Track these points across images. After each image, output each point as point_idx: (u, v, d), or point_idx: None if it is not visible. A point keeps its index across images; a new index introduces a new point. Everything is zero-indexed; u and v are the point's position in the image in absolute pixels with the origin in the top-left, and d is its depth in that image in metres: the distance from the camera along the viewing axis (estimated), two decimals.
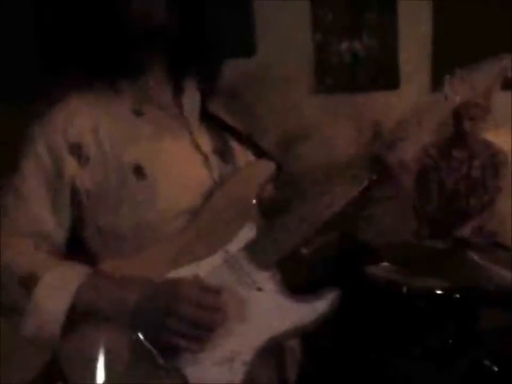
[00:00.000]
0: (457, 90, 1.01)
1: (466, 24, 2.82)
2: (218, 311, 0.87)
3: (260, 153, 1.07)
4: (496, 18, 2.82)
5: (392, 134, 0.96)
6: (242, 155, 1.06)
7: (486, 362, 1.70)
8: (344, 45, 2.88)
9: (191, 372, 0.87)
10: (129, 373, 0.87)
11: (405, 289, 1.95)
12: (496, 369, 1.68)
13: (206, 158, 1.00)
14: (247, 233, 0.93)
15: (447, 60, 2.90)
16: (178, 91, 1.04)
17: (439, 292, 1.91)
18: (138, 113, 0.98)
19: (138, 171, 0.93)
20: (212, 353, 0.88)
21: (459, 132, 2.60)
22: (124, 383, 0.87)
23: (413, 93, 2.95)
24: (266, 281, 0.91)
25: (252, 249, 0.92)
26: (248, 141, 1.07)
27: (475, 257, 1.99)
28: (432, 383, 1.82)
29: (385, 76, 2.94)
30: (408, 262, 2.06)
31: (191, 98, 1.03)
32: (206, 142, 1.02)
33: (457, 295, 1.90)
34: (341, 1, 2.87)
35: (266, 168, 1.03)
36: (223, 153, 1.04)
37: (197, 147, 1.01)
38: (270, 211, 0.99)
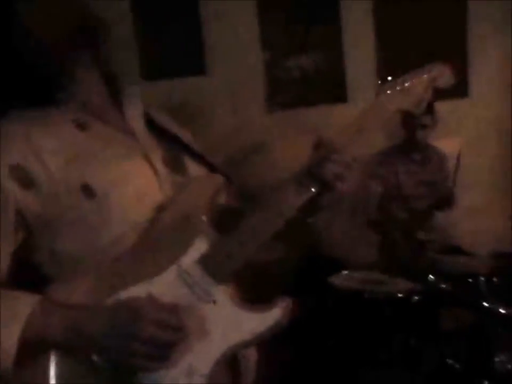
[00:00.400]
0: (391, 99, 1.04)
1: (408, 35, 2.95)
2: (179, 329, 0.87)
3: (210, 165, 1.07)
4: (439, 31, 2.97)
5: (331, 144, 0.99)
6: (193, 165, 1.05)
7: (449, 361, 1.74)
8: (293, 62, 2.95)
9: None
10: None
11: (366, 295, 1.98)
12: (459, 367, 1.71)
13: (155, 170, 0.99)
14: (199, 246, 0.93)
15: (391, 72, 3.02)
16: (117, 99, 1.02)
17: (399, 295, 1.96)
18: (81, 127, 0.96)
19: (87, 190, 0.91)
20: (171, 369, 0.87)
21: (410, 139, 2.69)
22: None
23: (360, 106, 3.04)
24: (221, 293, 0.91)
25: (205, 262, 0.92)
26: (196, 153, 1.07)
27: (435, 258, 2.05)
28: None
29: (333, 90, 3.02)
30: (368, 268, 2.10)
31: (133, 105, 1.02)
32: (155, 153, 1.01)
33: (417, 297, 1.94)
34: (288, 19, 2.95)
35: (215, 181, 1.03)
36: (174, 164, 1.02)
37: (146, 159, 0.99)
38: (223, 223, 0.99)
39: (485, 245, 2.65)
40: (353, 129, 1.00)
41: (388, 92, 1.04)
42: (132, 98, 1.03)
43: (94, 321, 0.86)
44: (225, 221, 1.00)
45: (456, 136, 2.96)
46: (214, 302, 0.91)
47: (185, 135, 1.10)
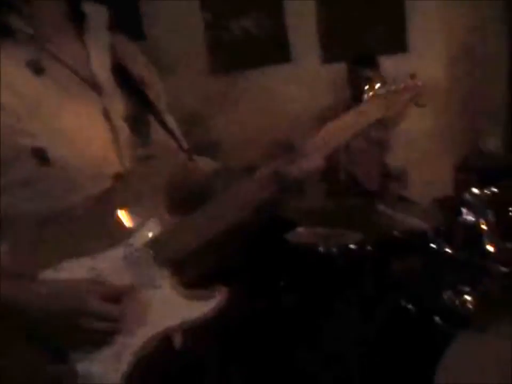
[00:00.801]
0: (373, 110, 1.03)
1: None
2: (121, 319, 0.86)
3: (172, 133, 1.00)
4: None
5: (301, 148, 0.96)
6: (157, 128, 0.98)
7: (403, 303, 1.83)
8: (235, 23, 2.90)
9: (82, 366, 0.85)
10: (19, 370, 0.83)
11: (321, 249, 2.04)
12: (412, 307, 1.81)
13: (115, 131, 0.91)
14: (151, 229, 0.90)
15: (331, 31, 3.04)
16: (81, 31, 0.91)
17: (352, 246, 2.03)
18: (36, 69, 0.84)
19: (40, 155, 0.83)
20: (103, 350, 0.86)
21: (357, 94, 2.73)
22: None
23: (304, 65, 3.06)
24: (163, 278, 0.90)
25: (154, 246, 0.89)
26: (160, 115, 0.99)
27: (384, 208, 2.12)
28: (358, 334, 1.93)
29: (276, 50, 3.00)
30: (322, 222, 2.15)
31: (99, 41, 0.92)
32: (116, 108, 0.92)
33: (370, 247, 2.02)
34: None
35: (177, 159, 1.00)
36: (136, 122, 0.95)
37: (107, 116, 0.91)
38: (180, 206, 0.97)
39: (430, 195, 2.77)
40: (329, 134, 0.98)
41: (370, 102, 1.03)
42: (98, 32, 0.92)
43: (33, 298, 0.82)
44: (182, 204, 0.99)
45: None
46: (156, 287, 0.90)
47: (154, 89, 1.01)
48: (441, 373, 1.50)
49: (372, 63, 2.71)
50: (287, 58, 3.02)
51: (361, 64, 2.71)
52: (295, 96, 2.98)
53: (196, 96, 2.78)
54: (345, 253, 2.03)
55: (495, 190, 1.76)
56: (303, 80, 3.04)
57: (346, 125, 1.01)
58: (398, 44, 3.18)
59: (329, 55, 3.07)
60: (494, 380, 1.52)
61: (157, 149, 0.98)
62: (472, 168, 2.93)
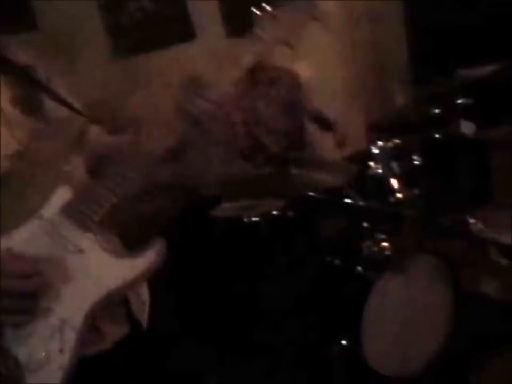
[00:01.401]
0: (268, 29, 1.04)
1: None
2: (39, 277, 0.84)
3: (70, 106, 1.01)
4: None
5: (201, 82, 0.98)
6: (52, 104, 0.98)
7: (329, 258, 1.92)
8: (131, 3, 2.82)
9: (21, 349, 0.83)
10: None
11: (246, 220, 2.09)
12: (337, 261, 1.90)
13: (4, 114, 0.91)
14: (62, 195, 0.89)
15: (233, 4, 3.04)
16: None
17: (275, 212, 2.09)
18: None
19: None
20: (40, 326, 0.84)
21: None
22: None
23: (210, 40, 3.04)
24: (88, 242, 0.89)
25: (69, 211, 0.89)
26: (53, 91, 1.00)
27: (297, 171, 2.19)
28: (290, 295, 2.00)
29: (180, 28, 2.96)
30: (244, 195, 2.20)
31: None
32: (2, 93, 0.92)
33: (291, 211, 2.09)
34: None
35: (76, 124, 0.99)
36: (28, 104, 0.95)
37: None
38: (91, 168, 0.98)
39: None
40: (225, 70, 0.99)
41: (264, 21, 1.04)
42: None
43: None
44: (92, 166, 0.99)
45: (305, 59, 3.09)
46: (81, 251, 0.88)
47: (43, 74, 1.01)
48: (368, 312, 1.61)
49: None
50: (192, 35, 2.99)
51: None
52: (204, 72, 2.96)
53: (103, 83, 2.69)
54: (270, 221, 2.09)
55: (398, 141, 1.88)
56: (210, 55, 3.02)
57: (244, 48, 1.07)
58: None
59: (233, 28, 3.07)
60: (413, 313, 1.66)
61: (55, 121, 0.98)
62: (381, 126, 3.07)
